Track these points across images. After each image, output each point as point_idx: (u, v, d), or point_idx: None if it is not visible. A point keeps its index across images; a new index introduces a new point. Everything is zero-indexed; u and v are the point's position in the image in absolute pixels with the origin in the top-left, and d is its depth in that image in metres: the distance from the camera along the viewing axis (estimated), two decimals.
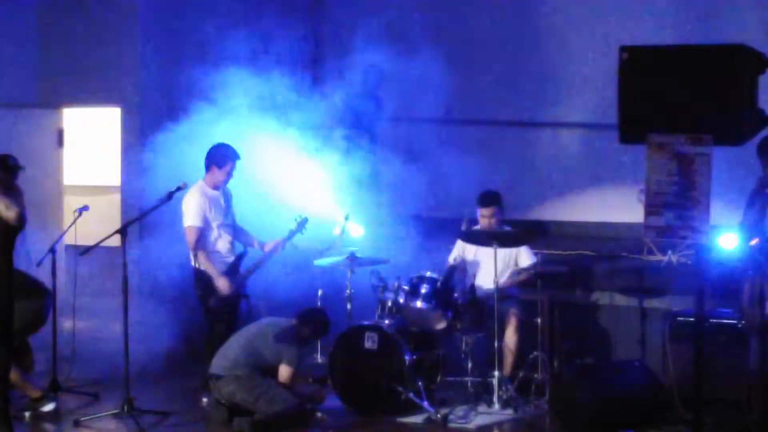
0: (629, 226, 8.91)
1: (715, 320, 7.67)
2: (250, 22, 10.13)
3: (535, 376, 8.16)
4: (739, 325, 7.52)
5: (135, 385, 7.86)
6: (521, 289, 8.60)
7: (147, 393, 8.23)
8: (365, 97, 10.23)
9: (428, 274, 8.15)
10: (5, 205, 6.65)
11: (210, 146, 8.21)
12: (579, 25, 10.41)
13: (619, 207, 9.59)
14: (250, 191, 8.71)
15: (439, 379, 8.12)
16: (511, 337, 8.29)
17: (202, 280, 8.07)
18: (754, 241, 6.90)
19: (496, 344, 8.01)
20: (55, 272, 8.27)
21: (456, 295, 8.15)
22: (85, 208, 8.49)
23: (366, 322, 8.16)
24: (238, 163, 8.21)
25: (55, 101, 10.18)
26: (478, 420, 7.76)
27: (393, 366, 7.84)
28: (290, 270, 8.93)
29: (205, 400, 7.88)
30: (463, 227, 8.62)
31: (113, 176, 10.48)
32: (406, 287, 8.14)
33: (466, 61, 10.65)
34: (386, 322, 8.11)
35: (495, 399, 7.96)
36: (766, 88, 6.22)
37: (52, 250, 8.28)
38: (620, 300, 8.74)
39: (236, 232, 8.34)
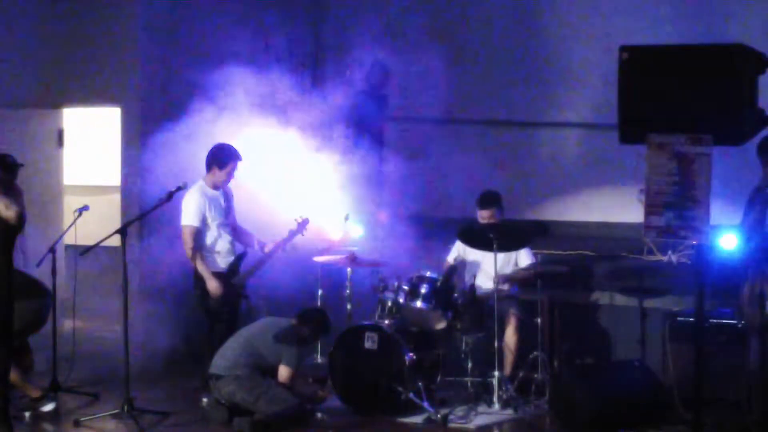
0: (629, 226, 8.91)
1: (715, 320, 7.68)
2: (250, 21, 10.12)
3: (535, 376, 8.16)
4: (739, 325, 7.52)
5: (135, 385, 7.85)
6: (521, 289, 8.60)
7: (147, 393, 8.23)
8: (365, 97, 10.22)
9: (428, 274, 8.16)
10: (5, 205, 6.64)
11: (211, 146, 8.21)
12: (579, 25, 10.40)
13: (619, 207, 9.59)
14: (250, 191, 8.71)
15: (439, 379, 8.13)
16: (511, 337, 8.29)
17: (201, 280, 8.06)
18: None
19: (496, 344, 8.01)
20: (55, 272, 8.26)
21: (456, 295, 8.16)
22: (85, 208, 8.48)
23: (366, 322, 8.16)
24: (238, 164, 8.20)
25: (55, 101, 10.17)
26: (478, 420, 7.76)
27: (393, 366, 7.84)
28: (290, 270, 8.92)
29: (205, 400, 7.87)
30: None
31: (113, 176, 10.47)
32: (406, 287, 8.14)
33: (466, 60, 10.65)
34: (386, 322, 8.11)
35: (495, 399, 7.96)
36: (766, 88, 6.22)
37: (52, 250, 8.27)
38: (620, 300, 8.74)
39: (236, 232, 8.33)
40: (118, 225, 8.25)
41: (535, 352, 8.19)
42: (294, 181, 8.87)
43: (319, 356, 9.09)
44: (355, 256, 8.66)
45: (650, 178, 6.18)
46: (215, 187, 8.17)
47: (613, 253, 9.29)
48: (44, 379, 8.31)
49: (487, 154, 10.23)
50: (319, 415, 7.84)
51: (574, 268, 8.84)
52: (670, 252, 8.78)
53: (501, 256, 8.26)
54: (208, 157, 8.17)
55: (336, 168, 9.15)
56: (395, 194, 9.99)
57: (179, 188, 7.94)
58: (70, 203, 9.57)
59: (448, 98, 10.45)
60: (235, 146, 8.20)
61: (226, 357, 7.72)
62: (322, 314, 8.05)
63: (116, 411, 7.75)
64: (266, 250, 8.33)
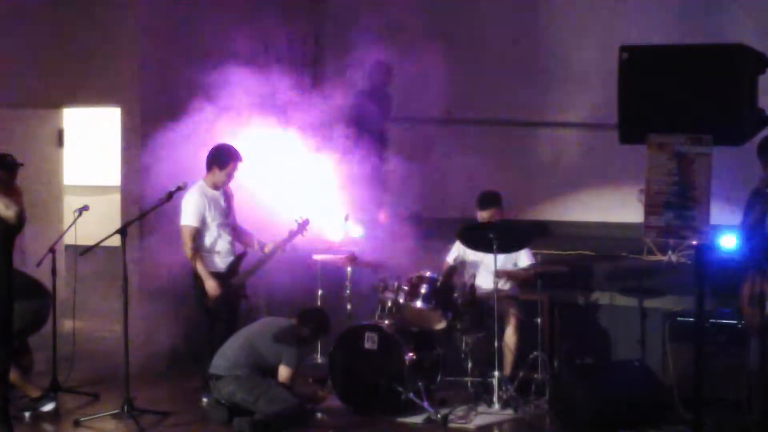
0: (629, 226, 8.91)
1: (715, 320, 7.67)
2: (250, 21, 10.12)
3: (535, 376, 8.16)
4: (739, 325, 7.52)
5: (135, 385, 7.85)
6: (521, 289, 8.60)
7: (147, 393, 8.23)
8: (365, 97, 10.22)
9: (428, 274, 8.15)
10: (4, 204, 6.65)
11: (211, 146, 8.21)
12: (579, 25, 10.40)
13: (619, 207, 9.59)
14: (250, 191, 8.70)
15: (439, 379, 8.12)
16: (510, 337, 8.29)
17: (201, 280, 8.05)
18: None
19: (496, 344, 8.01)
20: (55, 272, 8.26)
21: (456, 295, 8.15)
22: (85, 208, 8.48)
23: (366, 322, 8.16)
24: (239, 164, 8.19)
25: (55, 101, 10.17)
26: (478, 420, 7.76)
27: (393, 366, 7.83)
28: (290, 270, 8.92)
29: (205, 400, 7.87)
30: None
31: (113, 176, 10.46)
32: (406, 287, 8.14)
33: (466, 61, 10.64)
34: (386, 322, 8.11)
35: (495, 399, 7.96)
36: (766, 88, 6.22)
37: (52, 250, 8.27)
38: (620, 300, 8.73)
39: (236, 232, 8.33)
40: (118, 225, 8.25)
41: (535, 352, 8.19)
42: (294, 181, 8.87)
43: (319, 356, 9.09)
44: (355, 256, 8.66)
45: (650, 178, 6.19)
46: (215, 187, 8.17)
47: (613, 253, 9.28)
48: (44, 379, 8.30)
49: (487, 154, 10.23)
50: (319, 415, 7.84)
51: (574, 268, 8.83)
52: (670, 252, 8.77)
53: (501, 256, 8.26)
54: (208, 157, 8.17)
55: (336, 168, 9.15)
56: (395, 194, 9.99)
57: (179, 188, 7.94)
58: (70, 203, 9.57)
59: (448, 98, 10.45)
60: (235, 146, 8.20)
61: (226, 357, 7.72)
62: (322, 314, 8.05)
63: (116, 411, 7.75)
64: (266, 250, 8.32)
